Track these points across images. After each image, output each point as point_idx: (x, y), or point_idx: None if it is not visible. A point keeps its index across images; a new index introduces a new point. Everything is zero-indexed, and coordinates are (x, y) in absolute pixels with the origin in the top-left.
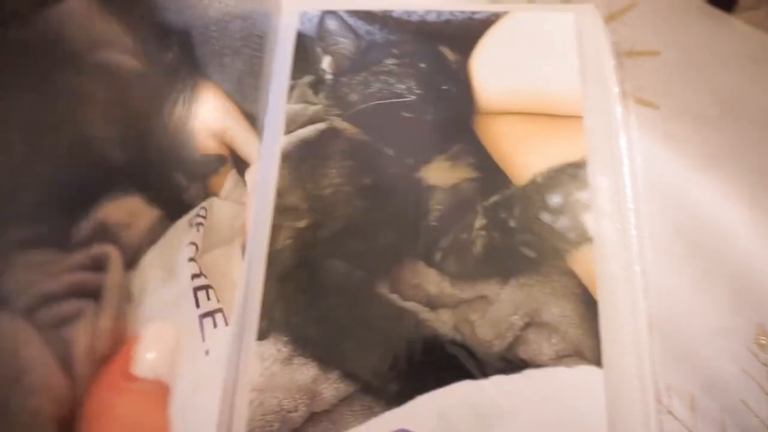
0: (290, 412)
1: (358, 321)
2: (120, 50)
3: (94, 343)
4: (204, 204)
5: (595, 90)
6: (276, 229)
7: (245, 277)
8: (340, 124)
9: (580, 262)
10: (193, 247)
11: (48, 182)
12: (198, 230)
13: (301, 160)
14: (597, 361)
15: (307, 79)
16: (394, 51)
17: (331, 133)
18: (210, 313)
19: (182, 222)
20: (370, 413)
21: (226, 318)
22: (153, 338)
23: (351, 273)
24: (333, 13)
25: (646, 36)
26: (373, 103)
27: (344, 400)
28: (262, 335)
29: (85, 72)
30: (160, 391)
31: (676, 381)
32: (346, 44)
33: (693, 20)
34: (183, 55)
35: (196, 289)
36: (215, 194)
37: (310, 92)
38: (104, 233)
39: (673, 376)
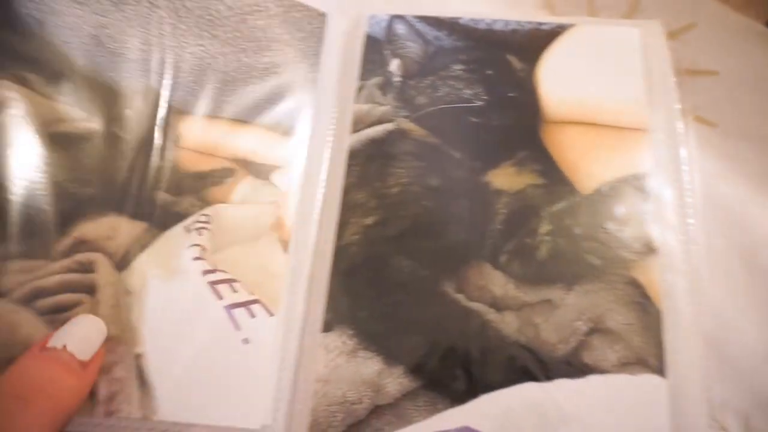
0: (354, 404)
1: (424, 318)
2: (74, 120)
3: None
4: (206, 211)
5: (658, 105)
6: (343, 224)
7: (308, 270)
8: (407, 125)
9: (644, 271)
10: (198, 248)
11: (31, 212)
12: (200, 233)
13: (368, 159)
14: (660, 370)
15: (376, 80)
16: (462, 57)
17: (398, 134)
18: (242, 304)
19: (177, 229)
20: (434, 409)
21: (268, 308)
22: (77, 322)
23: (417, 271)
24: (401, 17)
25: (705, 56)
26: (440, 106)
27: (408, 395)
28: (327, 327)
29: (40, 141)
30: (73, 361)
31: (730, 398)
32: (414, 48)
33: (752, 42)
34: (146, 105)
35: (213, 284)
36: (221, 201)
37: (378, 93)
38: (86, 244)
39: (728, 392)
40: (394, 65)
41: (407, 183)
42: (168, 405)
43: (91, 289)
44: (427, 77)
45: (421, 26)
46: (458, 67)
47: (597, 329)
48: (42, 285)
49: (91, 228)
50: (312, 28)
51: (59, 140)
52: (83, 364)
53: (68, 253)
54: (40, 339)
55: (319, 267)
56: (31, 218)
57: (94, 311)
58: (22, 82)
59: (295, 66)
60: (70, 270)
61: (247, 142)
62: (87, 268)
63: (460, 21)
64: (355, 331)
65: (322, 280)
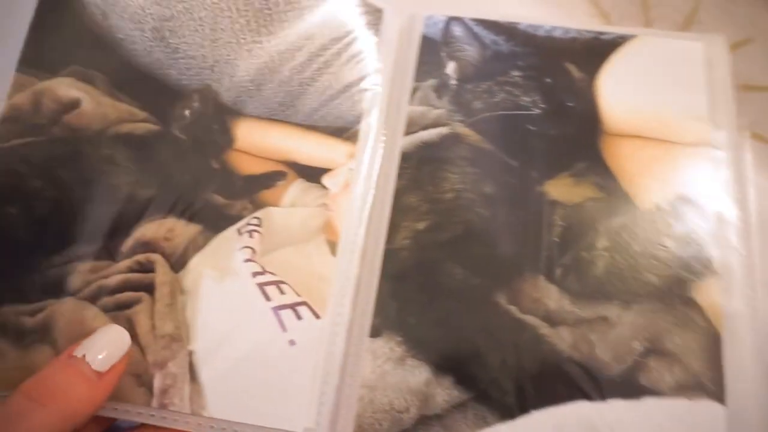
0: (400, 412)
1: (475, 328)
2: (135, 120)
3: (155, 322)
4: (257, 214)
5: (720, 121)
6: (394, 228)
7: (356, 273)
8: (462, 130)
9: (704, 293)
10: (249, 251)
11: (94, 217)
12: (251, 236)
13: (421, 162)
14: (719, 396)
15: (431, 82)
16: (520, 63)
17: (453, 138)
18: (289, 306)
19: (229, 231)
20: (483, 423)
21: (315, 310)
22: (101, 333)
23: (469, 279)
24: (459, 19)
25: (761, 71)
26: (497, 112)
27: (457, 407)
28: (375, 332)
29: (104, 142)
30: (89, 371)
31: None
32: (471, 52)
33: None
34: (204, 106)
35: (261, 285)
36: (272, 204)
37: (433, 95)
38: (146, 246)
39: None
40: (451, 68)
41: (461, 189)
42: (216, 402)
43: (149, 288)
44: (483, 82)
45: (479, 29)
46: (516, 73)
47: (654, 350)
48: (106, 284)
49: (150, 229)
50: (368, 24)
51: (122, 141)
52: (99, 375)
53: (130, 253)
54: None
55: (367, 270)
56: (98, 221)
57: (151, 309)
58: (88, 80)
59: (347, 66)
60: (131, 269)
61: (299, 144)
62: (147, 267)
63: (519, 26)
64: (403, 337)
65: (371, 283)
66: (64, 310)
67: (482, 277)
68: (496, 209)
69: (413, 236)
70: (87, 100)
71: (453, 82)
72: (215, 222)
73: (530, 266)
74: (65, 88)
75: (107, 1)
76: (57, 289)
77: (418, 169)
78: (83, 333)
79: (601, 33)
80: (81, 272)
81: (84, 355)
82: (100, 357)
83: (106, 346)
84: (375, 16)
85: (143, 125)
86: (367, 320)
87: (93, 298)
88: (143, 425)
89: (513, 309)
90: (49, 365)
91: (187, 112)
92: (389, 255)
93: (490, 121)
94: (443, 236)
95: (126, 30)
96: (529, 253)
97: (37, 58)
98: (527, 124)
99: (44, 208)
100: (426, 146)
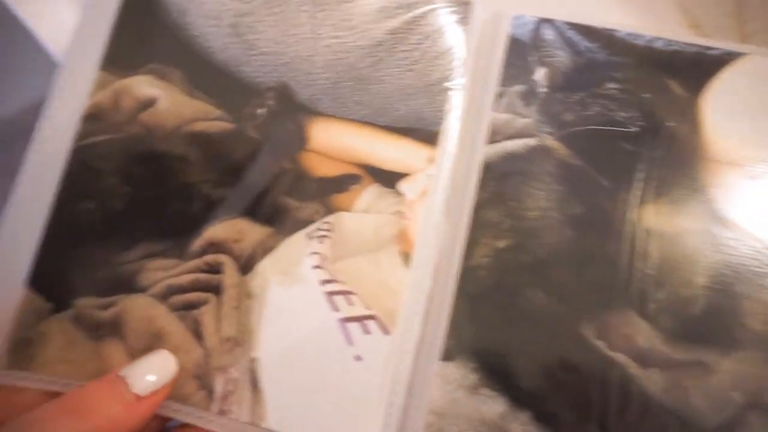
0: None
1: (558, 361)
2: (210, 119)
3: (221, 324)
4: (328, 219)
5: None
6: (472, 243)
7: (429, 288)
8: (551, 142)
9: None
10: (318, 257)
11: (166, 214)
12: (321, 242)
13: (505, 175)
14: None
15: (518, 88)
16: (617, 75)
17: (540, 151)
18: (356, 319)
19: (299, 235)
20: None
21: (384, 326)
22: (149, 358)
23: (553, 306)
24: (550, 22)
25: None
26: (590, 127)
27: None
28: (447, 356)
29: (178, 141)
30: (128, 393)
31: None
32: (562, 58)
33: None
34: (278, 104)
35: (329, 294)
36: (345, 209)
37: (520, 103)
38: (215, 246)
39: None
40: (540, 74)
41: (547, 207)
42: (276, 413)
43: (217, 290)
44: (576, 92)
45: (572, 34)
46: (612, 85)
47: (756, 404)
48: (176, 283)
49: (220, 230)
50: (454, 20)
51: (196, 140)
52: (138, 398)
53: (199, 253)
54: (170, 332)
55: (442, 287)
56: (170, 219)
57: (217, 311)
58: (166, 78)
59: (431, 63)
60: (200, 270)
61: (375, 145)
62: (215, 269)
63: (617, 34)
64: (478, 364)
65: (445, 302)
66: (134, 306)
67: (567, 306)
68: (584, 233)
69: (493, 254)
70: (163, 98)
71: (542, 89)
72: (285, 225)
73: (620, 299)
74: (143, 86)
75: None
76: (128, 286)
77: (502, 182)
78: (151, 331)
79: (708, 48)
80: (151, 270)
81: (125, 377)
82: (142, 381)
83: (151, 370)
84: (462, 12)
85: (217, 124)
86: (438, 341)
87: (162, 297)
88: (187, 425)
89: (601, 344)
90: (94, 380)
91: (261, 111)
92: (466, 272)
93: (582, 135)
94: (525, 257)
95: (203, 26)
96: (619, 283)
97: (119, 56)
98: (623, 142)
99: (119, 204)
100: (511, 158)
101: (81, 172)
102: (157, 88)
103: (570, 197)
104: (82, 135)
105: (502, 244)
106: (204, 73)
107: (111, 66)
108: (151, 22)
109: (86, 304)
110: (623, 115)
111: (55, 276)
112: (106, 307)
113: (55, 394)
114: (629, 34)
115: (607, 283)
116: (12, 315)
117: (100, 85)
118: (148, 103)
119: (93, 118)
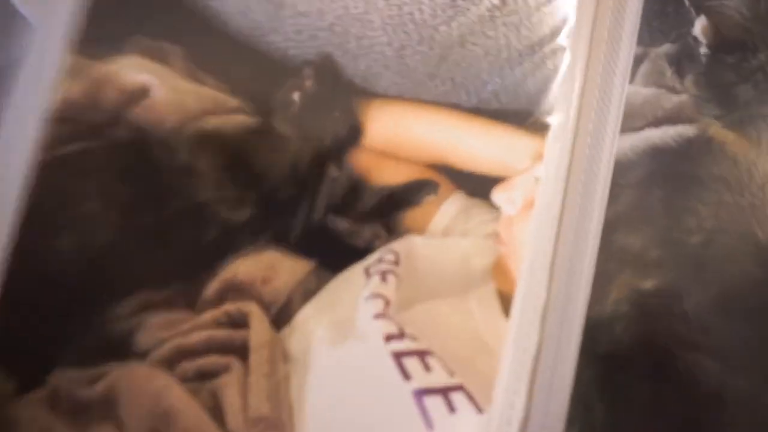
0: None
1: None
2: (225, 111)
3: (248, 399)
4: (393, 246)
5: None
6: (601, 282)
7: (538, 346)
8: (718, 131)
9: None
10: (380, 301)
11: (168, 248)
12: (384, 279)
13: (649, 180)
14: None
15: (666, 48)
16: None
17: (703, 145)
18: (437, 390)
19: (353, 271)
20: None
21: (475, 401)
22: None
23: (729, 377)
24: None
25: None
26: None
27: None
28: None
29: (181, 144)
30: None
31: None
32: (735, 3)
33: None
34: (320, 84)
35: (397, 355)
36: (416, 231)
37: (669, 71)
38: (237, 290)
39: None
40: (699, 27)
41: (716, 229)
42: None
43: (242, 351)
44: (756, 54)
45: None
46: None
47: None
48: (185, 343)
49: (244, 267)
50: None
51: (205, 141)
52: None
53: (216, 300)
54: (181, 411)
55: (557, 346)
56: (173, 256)
57: (243, 380)
58: (160, 58)
59: (534, 14)
60: (218, 323)
61: (458, 136)
62: (238, 321)
63: None
64: None
65: (564, 368)
66: (131, 377)
67: (750, 377)
68: None
69: (635, 298)
70: (158, 86)
71: (703, 50)
72: (333, 256)
73: None
74: (130, 71)
75: None
76: (121, 349)
77: (644, 190)
78: (157, 411)
79: None
80: (151, 327)
81: None
82: None
83: None
84: None
85: (234, 118)
86: (555, 423)
87: (169, 363)
88: None
89: None
90: None
91: (296, 96)
92: (595, 325)
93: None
94: (686, 303)
95: None
96: None
97: (94, 31)
98: None
99: (103, 237)
100: (658, 154)
101: (50, 196)
102: (150, 73)
103: (750, 216)
104: (50, 143)
105: (648, 283)
106: (214, 48)
107: (84, 46)
108: None
109: (65, 378)
110: None
111: (21, 343)
112: (93, 380)
113: None
114: None
115: None
116: None
117: (72, 73)
118: (139, 95)
119: (63, 121)
